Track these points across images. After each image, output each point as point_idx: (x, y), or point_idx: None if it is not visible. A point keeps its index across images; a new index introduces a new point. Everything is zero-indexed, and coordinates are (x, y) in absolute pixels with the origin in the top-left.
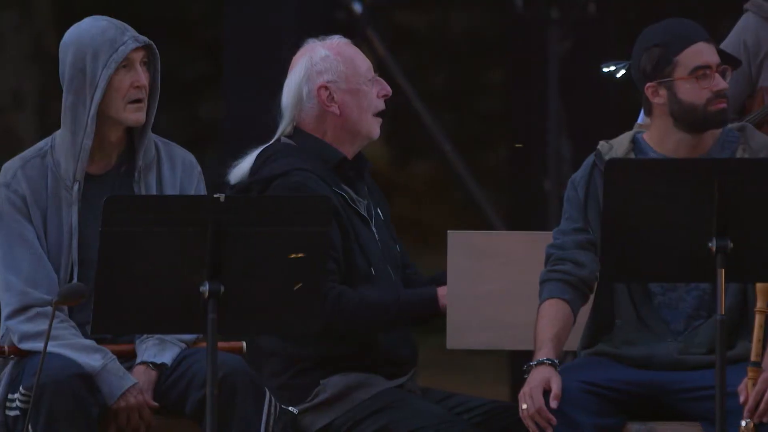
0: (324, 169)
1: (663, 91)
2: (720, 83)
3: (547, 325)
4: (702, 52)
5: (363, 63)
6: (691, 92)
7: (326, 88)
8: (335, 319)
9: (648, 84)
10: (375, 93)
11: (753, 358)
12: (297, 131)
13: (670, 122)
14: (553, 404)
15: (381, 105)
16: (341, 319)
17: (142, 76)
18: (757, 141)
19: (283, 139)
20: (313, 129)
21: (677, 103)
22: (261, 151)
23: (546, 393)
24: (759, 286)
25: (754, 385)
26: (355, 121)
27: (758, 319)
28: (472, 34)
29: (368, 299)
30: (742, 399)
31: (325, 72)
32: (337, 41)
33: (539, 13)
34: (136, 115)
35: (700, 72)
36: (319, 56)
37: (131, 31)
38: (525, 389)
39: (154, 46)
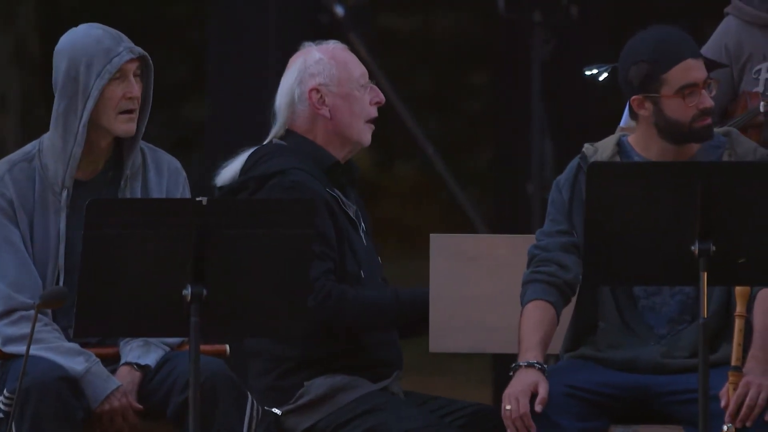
0: (317, 170)
1: (649, 105)
2: (706, 101)
3: (534, 327)
4: (690, 70)
5: (357, 68)
6: (677, 110)
7: (317, 90)
8: (338, 318)
9: (634, 96)
10: (368, 100)
11: (733, 362)
12: (289, 133)
13: (654, 132)
14: (538, 408)
15: (373, 112)
16: (342, 319)
17: (135, 88)
18: (743, 146)
19: (276, 141)
20: (305, 131)
21: (662, 119)
22: (253, 152)
23: (532, 396)
24: (738, 290)
25: (735, 389)
26: (346, 126)
27: (738, 324)
28: (455, 37)
29: (369, 298)
30: (723, 403)
31: (317, 75)
32: (332, 46)
33: (522, 16)
34: (126, 126)
35: (687, 90)
36: (313, 59)
37: (126, 42)
38: (511, 391)
39: (149, 58)
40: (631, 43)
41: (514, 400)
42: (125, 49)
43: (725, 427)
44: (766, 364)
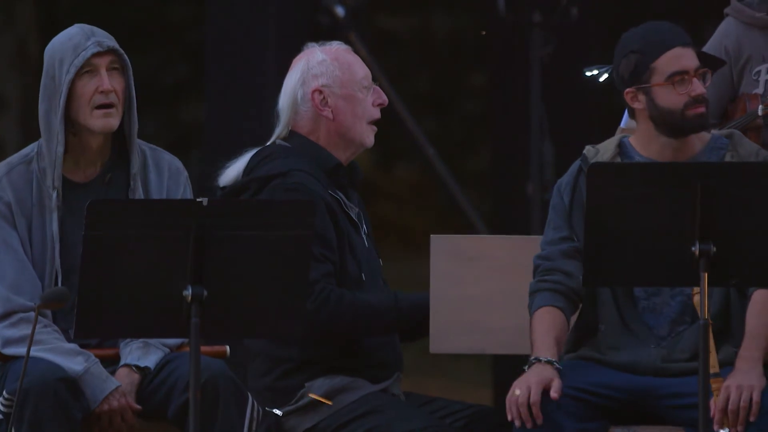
0: (319, 172)
1: (641, 97)
2: (697, 88)
3: (547, 329)
4: (679, 58)
5: (360, 70)
6: (669, 98)
7: (320, 91)
8: (334, 322)
9: (627, 90)
10: (370, 101)
11: (711, 370)
12: (292, 134)
13: (652, 127)
14: (553, 395)
15: (376, 114)
16: (340, 322)
17: (106, 81)
18: (745, 148)
19: (279, 142)
20: (308, 132)
21: (655, 109)
22: (257, 152)
23: (545, 392)
24: (697, 300)
25: (718, 395)
26: (348, 127)
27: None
28: (454, 38)
29: (368, 303)
30: (711, 413)
31: (320, 76)
32: (336, 47)
33: (521, 17)
34: (103, 121)
35: (677, 78)
36: (316, 60)
37: (98, 36)
38: (524, 379)
39: (122, 52)
40: (622, 38)
41: (525, 387)
42: (93, 43)
43: None
44: (753, 363)
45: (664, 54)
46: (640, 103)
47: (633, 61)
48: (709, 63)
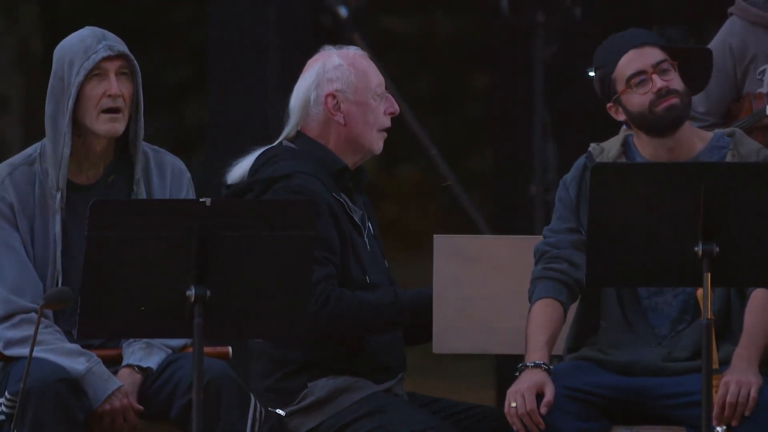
0: (325, 175)
1: (618, 107)
2: (657, 82)
3: (541, 326)
4: (631, 61)
5: (375, 77)
6: (634, 101)
7: (334, 96)
8: (336, 322)
9: (607, 105)
10: (382, 109)
11: (713, 366)
12: (300, 135)
13: (641, 132)
14: (543, 410)
15: (387, 122)
16: (342, 322)
17: (114, 85)
18: (746, 147)
19: (285, 143)
20: (317, 135)
21: (630, 115)
22: (262, 152)
23: (538, 397)
24: (700, 294)
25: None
26: (359, 134)
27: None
28: (457, 39)
29: (367, 301)
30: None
31: (335, 80)
32: (353, 52)
33: (525, 18)
34: (108, 126)
35: (634, 80)
36: (332, 64)
37: (109, 41)
38: (516, 388)
39: (132, 57)
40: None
41: (519, 396)
42: (104, 46)
43: (719, 429)
44: (750, 361)
45: (618, 62)
46: (621, 114)
47: (599, 77)
48: (686, 54)
